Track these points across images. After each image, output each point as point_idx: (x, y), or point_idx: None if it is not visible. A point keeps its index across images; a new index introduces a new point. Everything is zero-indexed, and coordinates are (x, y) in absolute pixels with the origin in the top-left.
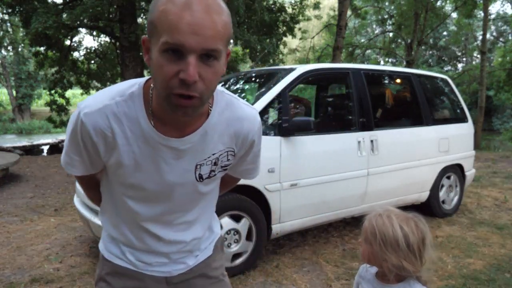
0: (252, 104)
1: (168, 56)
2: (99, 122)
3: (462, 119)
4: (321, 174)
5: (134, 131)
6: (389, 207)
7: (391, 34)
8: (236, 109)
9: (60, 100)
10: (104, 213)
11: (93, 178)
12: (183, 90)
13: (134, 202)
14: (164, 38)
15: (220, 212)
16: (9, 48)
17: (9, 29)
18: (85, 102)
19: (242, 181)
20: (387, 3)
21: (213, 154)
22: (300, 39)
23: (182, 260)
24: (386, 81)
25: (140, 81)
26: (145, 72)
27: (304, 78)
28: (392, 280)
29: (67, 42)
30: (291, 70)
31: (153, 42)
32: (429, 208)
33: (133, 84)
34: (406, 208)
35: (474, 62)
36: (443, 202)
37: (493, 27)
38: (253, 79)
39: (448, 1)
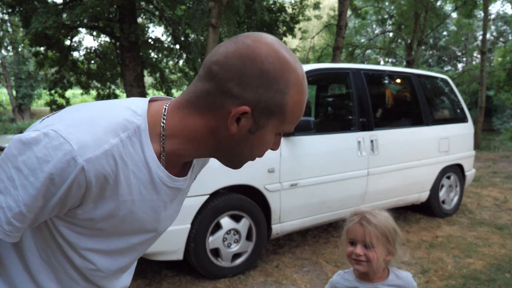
0: None
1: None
2: (105, 169)
3: (462, 119)
4: (321, 174)
5: (138, 176)
6: (361, 208)
7: (391, 34)
8: None
9: (60, 100)
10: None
11: None
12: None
13: (100, 256)
14: (286, 127)
15: (220, 212)
16: (9, 48)
17: (9, 29)
18: (78, 140)
19: (242, 181)
20: (387, 3)
21: (188, 186)
22: (300, 39)
23: None
24: (386, 81)
25: (139, 108)
26: (145, 72)
27: None
28: (379, 277)
29: (67, 42)
30: None
31: (270, 123)
32: (429, 208)
33: (133, 113)
34: (404, 208)
35: (474, 62)
36: (443, 202)
37: (493, 27)
38: None
39: (448, 1)
